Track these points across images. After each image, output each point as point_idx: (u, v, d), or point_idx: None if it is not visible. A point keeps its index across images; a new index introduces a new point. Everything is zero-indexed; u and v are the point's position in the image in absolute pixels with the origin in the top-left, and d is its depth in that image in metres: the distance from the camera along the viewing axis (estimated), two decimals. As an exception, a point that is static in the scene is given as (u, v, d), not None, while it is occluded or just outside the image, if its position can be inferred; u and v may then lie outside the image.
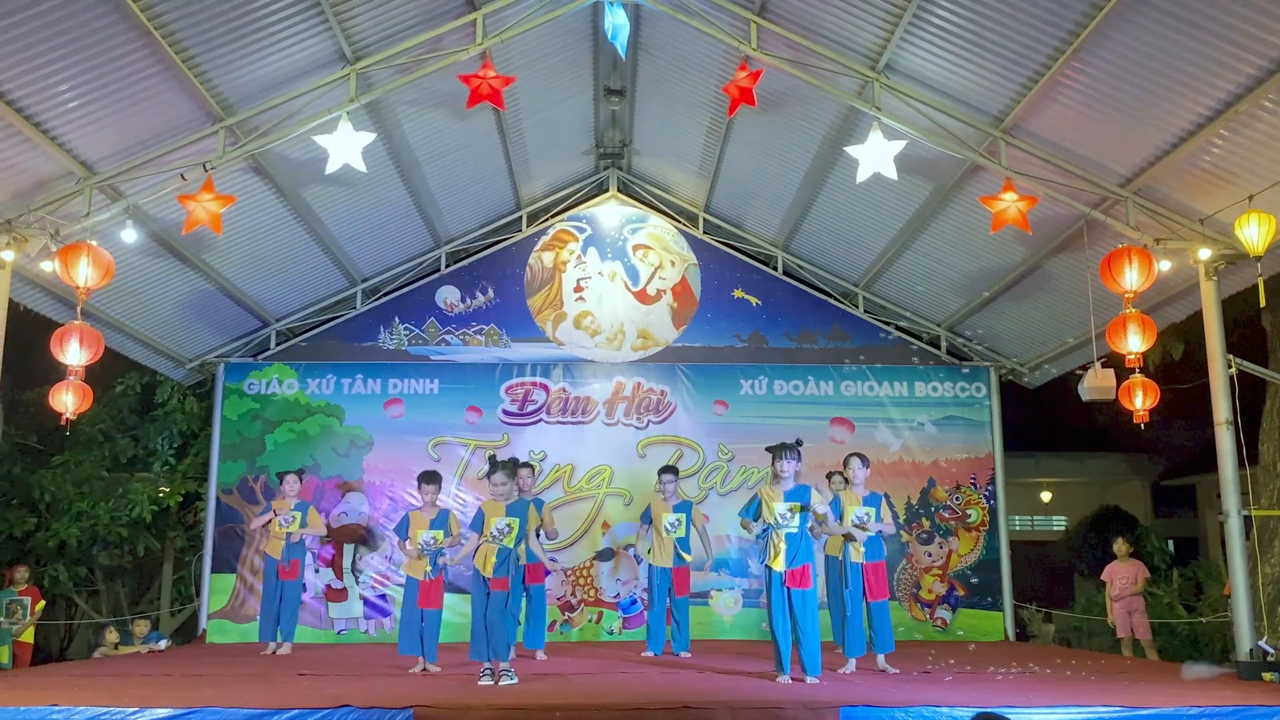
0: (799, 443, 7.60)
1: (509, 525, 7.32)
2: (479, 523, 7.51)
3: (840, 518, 8.08)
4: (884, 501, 8.42)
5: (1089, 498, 17.96)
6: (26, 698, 6.02)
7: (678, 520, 9.25)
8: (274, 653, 9.57)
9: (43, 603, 10.80)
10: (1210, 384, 8.36)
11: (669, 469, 9.66)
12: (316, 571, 11.39)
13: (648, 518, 9.47)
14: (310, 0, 7.54)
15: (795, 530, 7.34)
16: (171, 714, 5.67)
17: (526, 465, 9.67)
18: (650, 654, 9.20)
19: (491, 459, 7.85)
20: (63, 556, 12.39)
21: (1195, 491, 17.82)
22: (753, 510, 7.52)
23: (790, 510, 7.31)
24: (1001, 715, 3.83)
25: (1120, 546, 10.99)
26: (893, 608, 11.36)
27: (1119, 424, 10.36)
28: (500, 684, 7.02)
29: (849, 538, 8.03)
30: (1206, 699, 6.13)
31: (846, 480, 8.38)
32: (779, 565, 7.31)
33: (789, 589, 7.32)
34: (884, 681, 7.39)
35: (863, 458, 8.31)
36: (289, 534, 9.68)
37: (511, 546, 7.33)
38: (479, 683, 7.06)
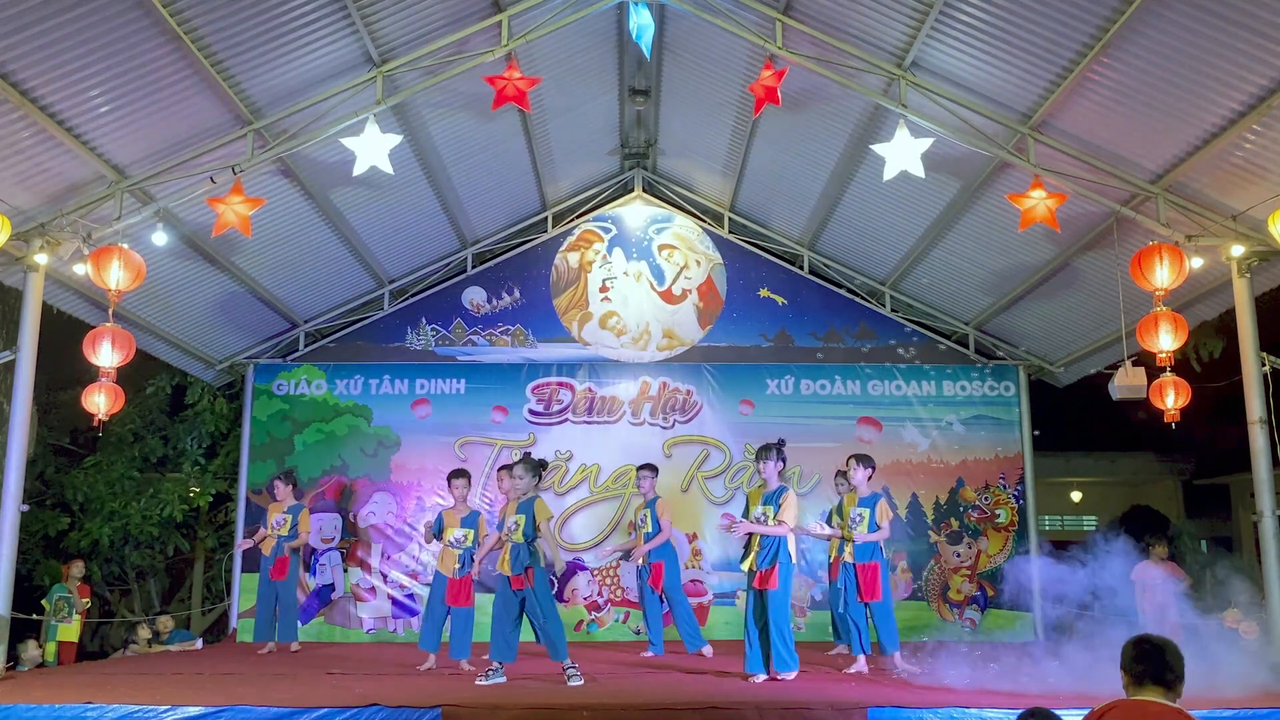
0: (782, 443, 7.67)
1: (516, 522, 7.43)
2: (499, 521, 7.72)
3: (841, 517, 8.32)
4: (882, 501, 8.37)
5: (1120, 497, 17.78)
6: (62, 695, 6.10)
7: (644, 516, 9.36)
8: (269, 652, 9.66)
9: (86, 600, 10.96)
10: (1243, 382, 8.26)
11: (645, 465, 9.71)
12: (345, 571, 11.49)
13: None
14: (337, 3, 7.59)
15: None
16: (202, 712, 5.74)
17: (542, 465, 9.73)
18: (650, 654, 9.20)
19: (525, 455, 7.91)
20: (95, 556, 12.53)
21: (1229, 491, 17.61)
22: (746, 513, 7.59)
23: (764, 513, 7.37)
24: (1051, 713, 3.78)
25: (1159, 549, 10.85)
26: (921, 608, 11.45)
27: (1151, 423, 10.25)
28: (570, 684, 7.06)
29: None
30: (1244, 701, 6.06)
31: (850, 481, 8.44)
32: (747, 565, 7.41)
33: (757, 590, 7.39)
34: (911, 682, 7.36)
35: (861, 459, 8.35)
36: (279, 536, 9.76)
37: (522, 542, 7.39)
38: (476, 682, 7.11)
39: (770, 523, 7.37)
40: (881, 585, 8.21)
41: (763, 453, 7.53)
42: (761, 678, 7.24)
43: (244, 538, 11.51)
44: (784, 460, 7.59)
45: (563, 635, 7.44)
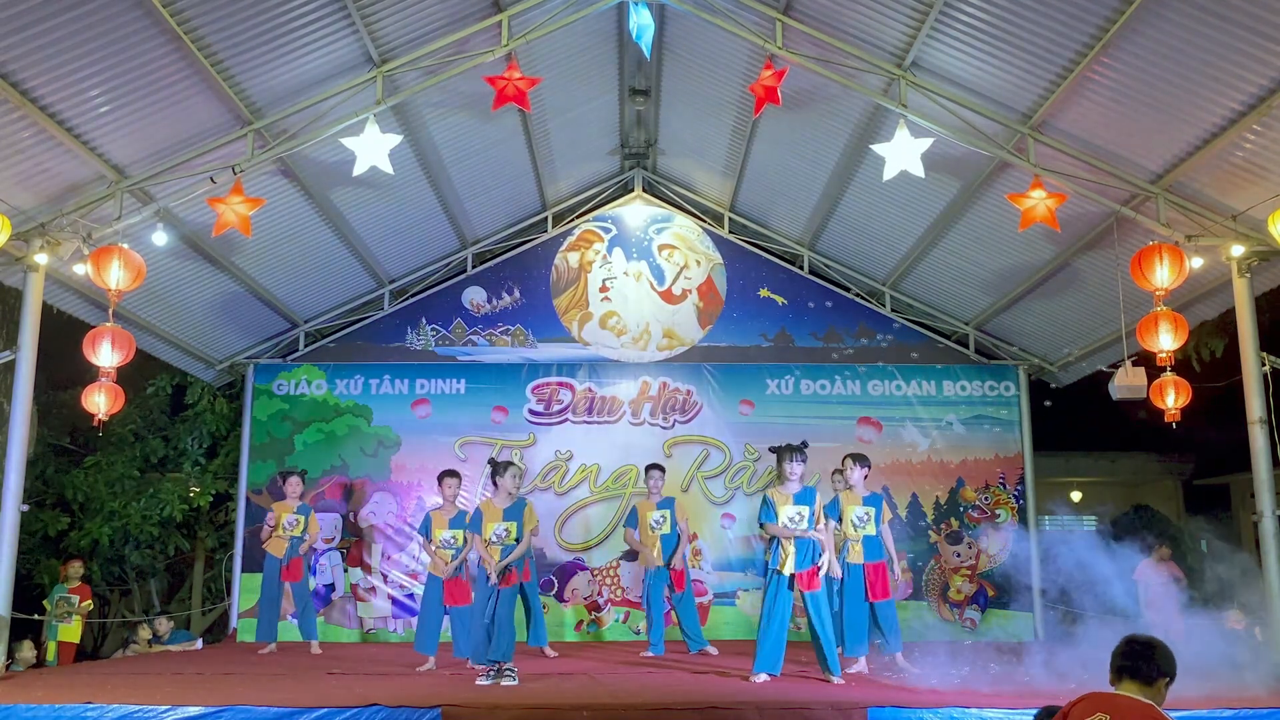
0: (805, 444, 7.63)
1: (506, 530, 7.47)
2: (477, 523, 7.63)
3: (840, 518, 8.24)
4: (884, 502, 8.41)
5: (1120, 497, 17.77)
6: (62, 695, 6.10)
7: (662, 517, 9.34)
8: (269, 652, 9.67)
9: (90, 601, 10.96)
10: (1243, 382, 8.26)
11: (657, 466, 9.73)
12: (345, 571, 11.49)
13: (633, 520, 9.49)
14: (337, 3, 7.59)
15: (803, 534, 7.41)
16: (202, 712, 5.74)
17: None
18: (650, 654, 9.18)
19: (492, 461, 7.99)
20: (95, 556, 12.53)
21: (1229, 491, 17.60)
22: (771, 513, 7.51)
23: (799, 514, 7.35)
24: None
25: (1162, 550, 10.87)
26: (921, 608, 11.45)
27: (1151, 423, 10.27)
28: (503, 684, 7.07)
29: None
30: (1244, 701, 6.06)
31: (847, 481, 8.42)
32: (789, 569, 7.35)
33: (802, 592, 7.38)
34: (911, 682, 7.36)
35: (858, 458, 8.33)
36: (292, 537, 9.76)
37: (511, 545, 7.49)
38: (476, 682, 7.12)
39: (819, 525, 7.47)
40: (889, 584, 8.25)
41: (792, 453, 7.46)
42: (764, 678, 7.24)
43: (245, 536, 11.58)
44: (806, 460, 7.58)
45: (509, 641, 7.41)
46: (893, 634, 8.17)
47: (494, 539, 7.47)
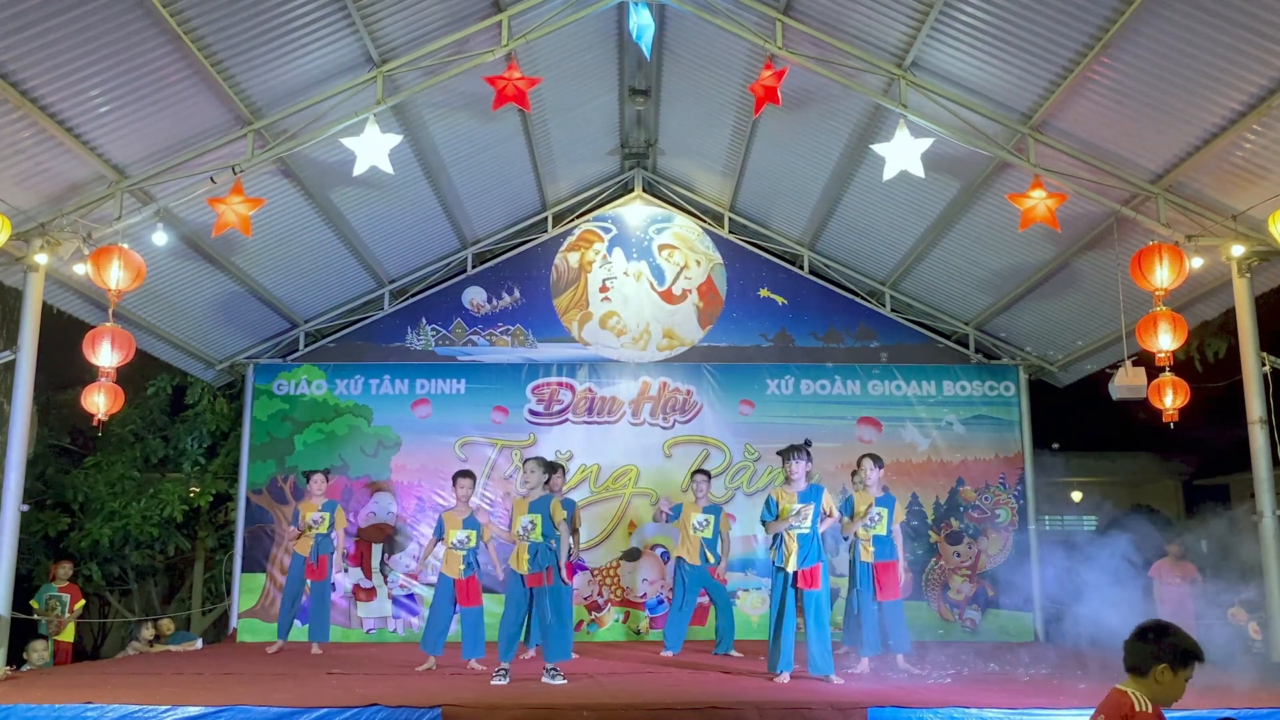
0: (808, 443, 7.69)
1: (531, 522, 7.47)
2: (509, 520, 7.75)
3: (852, 516, 8.29)
4: (898, 502, 8.46)
5: (1120, 497, 17.76)
6: (61, 695, 6.10)
7: (705, 521, 9.40)
8: (277, 650, 9.68)
9: (82, 602, 10.95)
10: (1243, 382, 8.27)
11: (702, 471, 9.87)
12: (345, 571, 11.47)
13: (678, 513, 9.60)
14: (337, 3, 7.59)
15: (806, 531, 7.43)
16: (202, 712, 5.74)
17: (556, 466, 9.78)
18: (669, 654, 9.23)
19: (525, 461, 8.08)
20: (95, 556, 12.53)
21: (1229, 491, 17.60)
22: (772, 513, 7.55)
23: (802, 511, 7.36)
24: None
25: (1174, 549, 10.88)
26: (921, 608, 11.44)
27: (1151, 423, 10.27)
28: (556, 682, 7.14)
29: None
30: (1245, 701, 6.06)
31: (864, 481, 8.46)
32: (791, 566, 7.35)
33: (800, 589, 7.37)
34: (911, 682, 7.36)
35: (874, 458, 8.38)
36: (317, 535, 9.76)
37: (540, 541, 7.46)
38: (492, 682, 7.13)
39: (831, 516, 7.56)
40: (899, 585, 8.28)
41: (793, 453, 7.52)
42: (786, 677, 7.24)
43: (245, 536, 11.57)
44: (810, 459, 7.62)
45: (567, 638, 7.49)
46: (898, 634, 8.18)
47: (521, 532, 7.51)
